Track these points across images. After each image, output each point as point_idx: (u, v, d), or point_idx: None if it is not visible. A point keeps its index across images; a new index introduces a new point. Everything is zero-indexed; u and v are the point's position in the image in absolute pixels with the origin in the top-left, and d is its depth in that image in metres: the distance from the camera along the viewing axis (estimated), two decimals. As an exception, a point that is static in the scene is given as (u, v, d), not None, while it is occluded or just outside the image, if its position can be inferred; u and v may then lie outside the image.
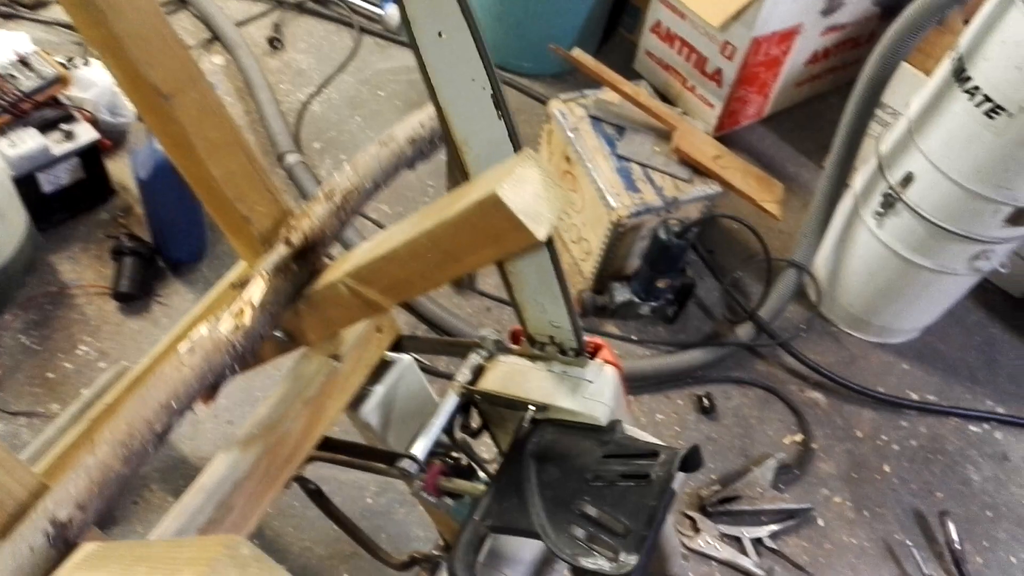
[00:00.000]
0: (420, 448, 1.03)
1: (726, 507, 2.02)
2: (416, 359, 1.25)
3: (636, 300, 2.31)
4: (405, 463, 1.03)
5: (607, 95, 2.41)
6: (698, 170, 2.28)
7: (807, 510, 2.06)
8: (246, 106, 2.66)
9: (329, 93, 2.78)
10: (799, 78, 2.94)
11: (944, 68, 1.97)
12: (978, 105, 1.84)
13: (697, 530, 1.98)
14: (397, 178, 1.08)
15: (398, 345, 1.21)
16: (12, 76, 2.07)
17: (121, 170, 2.34)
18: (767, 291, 2.32)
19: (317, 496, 1.33)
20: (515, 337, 1.19)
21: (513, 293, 1.05)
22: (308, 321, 1.08)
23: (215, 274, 2.22)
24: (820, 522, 2.07)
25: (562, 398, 1.05)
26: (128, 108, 2.37)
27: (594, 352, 1.11)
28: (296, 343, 1.14)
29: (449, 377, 1.12)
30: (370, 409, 1.17)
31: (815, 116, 3.01)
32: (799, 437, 2.21)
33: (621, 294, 2.31)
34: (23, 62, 2.11)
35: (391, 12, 2.98)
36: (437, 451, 1.16)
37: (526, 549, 1.13)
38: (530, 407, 1.05)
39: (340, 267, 1.00)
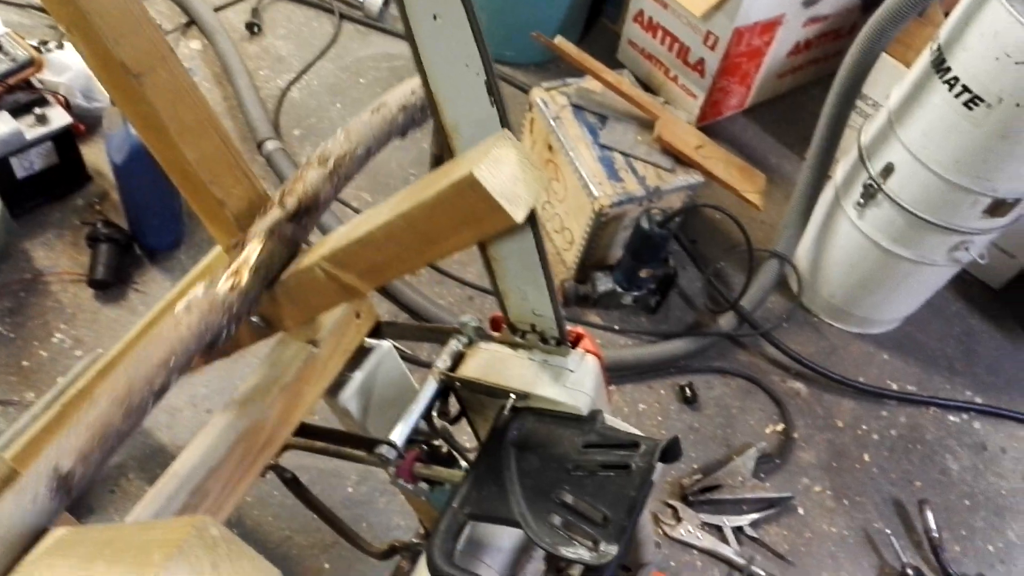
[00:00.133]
0: (398, 434, 1.02)
1: (708, 496, 2.03)
2: (397, 347, 1.24)
3: (619, 290, 2.30)
4: (383, 449, 1.02)
5: (590, 84, 2.40)
6: (680, 160, 2.27)
7: (788, 499, 2.07)
8: (224, 92, 2.63)
9: (309, 80, 2.75)
10: (781, 69, 2.95)
11: (924, 59, 1.97)
12: (957, 96, 1.85)
13: (679, 519, 1.98)
14: (388, 146, 1.06)
15: (377, 331, 1.20)
16: (-16, 59, 2.03)
17: (96, 155, 2.31)
18: (749, 281, 2.32)
19: (293, 484, 1.31)
20: (495, 324, 1.18)
21: (496, 280, 1.03)
22: (285, 306, 1.06)
23: (193, 262, 2.19)
24: (800, 511, 2.08)
25: (544, 387, 1.04)
26: (103, 92, 2.33)
27: (575, 341, 1.10)
28: (273, 329, 1.13)
29: (430, 366, 1.11)
30: (349, 395, 1.16)
31: (797, 108, 3.02)
32: (780, 427, 2.22)
33: (604, 284, 2.30)
34: (-5, 45, 2.06)
35: (372, -1, 2.96)
36: (417, 438, 1.15)
37: (505, 537, 1.12)
38: (511, 395, 1.04)
39: (317, 251, 0.98)
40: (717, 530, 1.99)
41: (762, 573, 1.93)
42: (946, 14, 1.98)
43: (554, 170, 2.33)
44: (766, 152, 2.90)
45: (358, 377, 1.17)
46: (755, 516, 2.02)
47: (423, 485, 1.12)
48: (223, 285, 0.91)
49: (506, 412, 1.03)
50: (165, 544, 0.51)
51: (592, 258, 2.34)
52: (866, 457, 2.21)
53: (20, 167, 2.08)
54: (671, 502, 2.01)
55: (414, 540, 1.44)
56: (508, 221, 0.80)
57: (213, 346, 0.90)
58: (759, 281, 2.35)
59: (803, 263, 2.47)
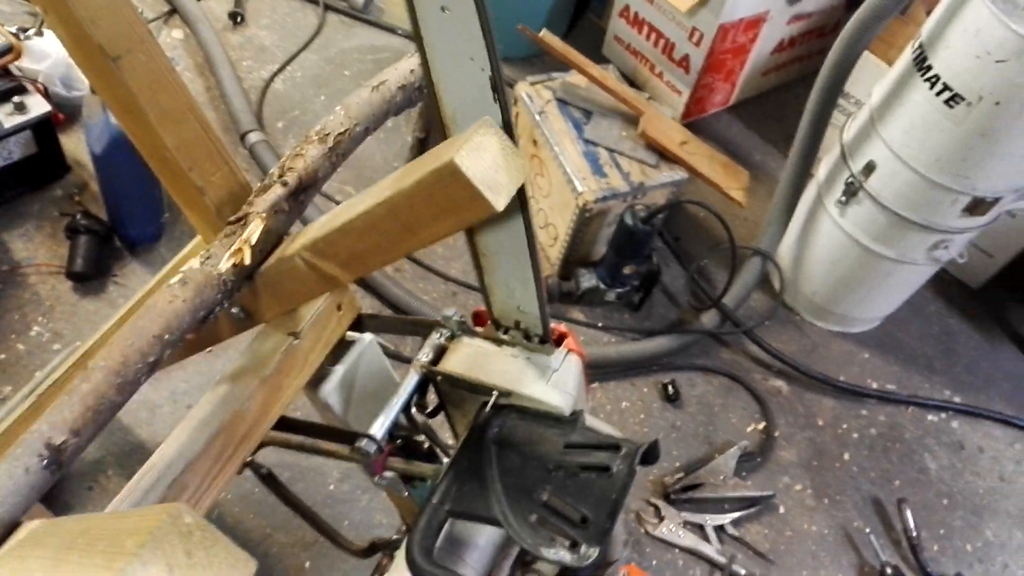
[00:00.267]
0: (379, 427, 1.01)
1: (689, 494, 2.03)
2: (382, 344, 1.23)
3: (602, 286, 2.30)
4: (364, 442, 1.00)
5: (575, 79, 2.40)
6: (665, 156, 2.27)
7: (769, 497, 2.08)
8: (206, 82, 2.60)
9: (293, 71, 2.73)
10: (766, 67, 2.95)
11: (906, 57, 1.98)
12: (938, 94, 1.86)
13: (660, 517, 1.98)
14: (386, 121, 1.05)
15: (359, 324, 1.18)
16: (-40, 46, 2.00)
17: (76, 145, 2.28)
18: (732, 279, 2.32)
19: (270, 480, 1.30)
20: (478, 319, 1.17)
21: (483, 275, 1.03)
22: (265, 297, 1.05)
23: (174, 255, 2.16)
24: (781, 509, 2.09)
25: (527, 385, 1.03)
26: (83, 81, 2.30)
27: (559, 340, 1.10)
28: (254, 321, 1.11)
29: (414, 361, 1.10)
30: (330, 389, 1.14)
31: (781, 105, 3.03)
32: (762, 425, 2.23)
33: (587, 280, 2.30)
34: (-28, 31, 2.03)
35: (358, -9, 2.93)
36: (400, 433, 1.14)
37: (484, 534, 1.11)
38: (494, 392, 1.03)
39: (298, 240, 0.97)
40: (699, 529, 1.99)
41: (743, 571, 1.93)
42: (928, 13, 1.99)
43: (539, 165, 2.32)
44: (750, 149, 2.90)
45: (339, 370, 1.16)
46: (736, 515, 2.03)
47: (400, 481, 1.12)
48: (225, 263, 0.90)
49: (488, 409, 1.03)
50: (138, 532, 0.50)
51: (576, 254, 2.33)
52: (846, 456, 2.22)
53: (-3, 156, 2.05)
54: (653, 500, 2.01)
55: (395, 537, 1.43)
56: (489, 209, 0.79)
57: (206, 321, 0.89)
58: (742, 279, 2.36)
59: (785, 261, 2.48)
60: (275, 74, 2.69)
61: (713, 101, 2.94)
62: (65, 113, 2.28)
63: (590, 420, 1.07)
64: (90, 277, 2.07)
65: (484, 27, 0.77)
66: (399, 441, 1.15)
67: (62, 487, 1.78)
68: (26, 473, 0.70)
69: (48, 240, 2.13)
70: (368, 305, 2.16)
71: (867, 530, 2.07)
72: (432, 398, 1.13)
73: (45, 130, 2.10)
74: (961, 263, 2.21)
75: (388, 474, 1.08)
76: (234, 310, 1.08)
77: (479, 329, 1.15)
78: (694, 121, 2.91)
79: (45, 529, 0.69)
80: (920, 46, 1.91)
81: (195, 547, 0.53)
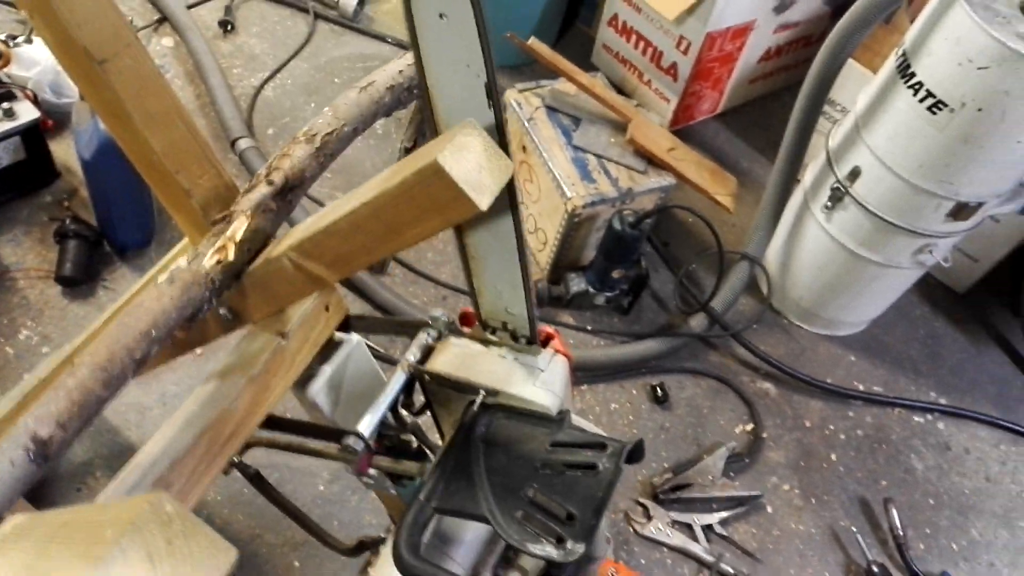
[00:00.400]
0: (366, 425, 1.02)
1: (678, 494, 2.04)
2: (370, 347, 1.24)
3: (591, 290, 2.32)
4: (351, 440, 1.01)
5: (563, 86, 2.42)
6: (653, 162, 2.29)
7: (757, 497, 2.09)
8: (196, 90, 2.61)
9: (283, 79, 2.74)
10: (753, 75, 2.98)
11: (890, 65, 2.01)
12: (921, 101, 1.88)
13: (649, 517, 1.99)
14: (375, 122, 1.06)
15: (346, 325, 1.19)
16: (-50, 52, 2.01)
17: (65, 151, 2.28)
18: (719, 283, 2.34)
19: (257, 480, 1.30)
20: (466, 320, 1.18)
21: (471, 276, 1.04)
22: (253, 298, 1.06)
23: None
24: (769, 509, 2.10)
25: (515, 385, 1.04)
26: (72, 88, 2.30)
27: (545, 341, 1.11)
28: (241, 321, 1.12)
29: (403, 362, 1.11)
30: (318, 389, 1.15)
31: (768, 114, 3.05)
32: (750, 426, 2.24)
33: (576, 284, 2.32)
34: (-38, 38, 2.04)
35: (348, -1, 2.95)
36: (388, 433, 1.15)
37: (469, 531, 1.12)
38: (481, 391, 1.05)
39: (284, 241, 0.98)
40: (687, 528, 2.01)
41: (731, 570, 1.95)
42: (912, 21, 2.02)
43: (528, 171, 2.34)
44: (738, 156, 2.93)
45: (327, 371, 1.16)
46: (724, 514, 2.04)
47: (387, 479, 1.12)
48: (209, 259, 0.91)
49: (475, 408, 1.04)
50: (118, 522, 0.51)
51: (565, 259, 2.35)
52: (833, 456, 2.24)
53: (-13, 162, 2.06)
54: (642, 500, 2.02)
55: (383, 536, 1.44)
56: (472, 209, 0.80)
57: (194, 319, 0.90)
58: (730, 283, 2.38)
59: (773, 265, 2.50)
60: (265, 82, 2.70)
61: (701, 109, 2.97)
62: (54, 119, 2.28)
63: (576, 420, 1.08)
64: (79, 282, 2.07)
65: (482, 35, 0.78)
66: (386, 441, 1.16)
67: (51, 488, 1.78)
68: (11, 466, 0.71)
69: (37, 245, 2.13)
70: (358, 308, 2.17)
71: (854, 529, 2.09)
72: (419, 398, 1.14)
73: (34, 136, 2.11)
74: (946, 267, 2.23)
75: (373, 472, 1.09)
76: (222, 311, 1.09)
77: (466, 330, 1.17)
78: (682, 129, 2.93)
79: (28, 523, 0.69)
80: (904, 54, 1.93)
81: (176, 536, 0.53)
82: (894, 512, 2.07)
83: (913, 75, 1.89)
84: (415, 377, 1.10)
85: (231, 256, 0.92)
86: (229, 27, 2.82)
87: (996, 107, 1.77)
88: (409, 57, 1.00)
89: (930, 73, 1.86)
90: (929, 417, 2.39)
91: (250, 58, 2.78)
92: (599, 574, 1.58)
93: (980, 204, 2.02)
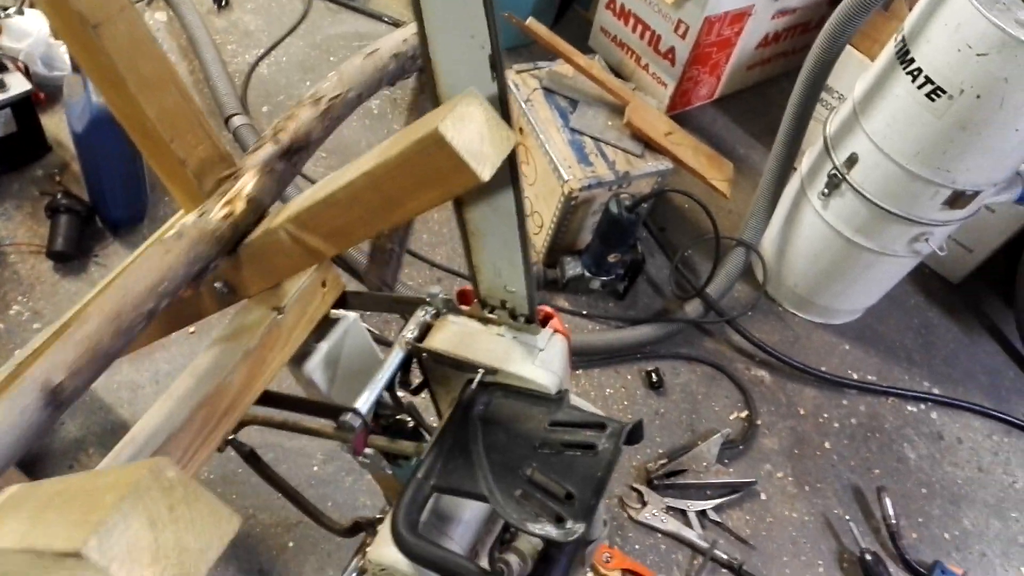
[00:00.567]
0: (363, 402, 1.01)
1: (672, 480, 2.04)
2: (368, 329, 1.22)
3: (587, 275, 2.31)
4: (348, 416, 1.00)
5: (561, 68, 2.40)
6: (650, 146, 2.28)
7: (750, 484, 2.09)
8: (190, 65, 2.58)
9: (278, 56, 2.71)
10: (750, 61, 2.97)
11: (888, 51, 2.00)
12: (920, 87, 1.87)
13: (644, 503, 1.99)
14: (379, 89, 1.05)
15: (343, 302, 1.18)
16: (-61, 22, 1.97)
17: (57, 125, 2.25)
18: (715, 269, 2.34)
19: (252, 459, 1.29)
20: (464, 298, 1.17)
21: (471, 254, 1.02)
22: (249, 271, 1.04)
23: (155, 237, 2.15)
24: (763, 496, 2.10)
25: (514, 363, 1.03)
26: (64, 61, 2.27)
27: (544, 320, 1.10)
28: (237, 296, 1.10)
29: (400, 341, 1.09)
30: (314, 365, 1.14)
31: (766, 100, 3.04)
32: (744, 413, 2.24)
33: (572, 268, 2.30)
34: (-49, 8, 2.00)
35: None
36: (384, 412, 1.14)
37: (468, 509, 1.11)
38: (480, 370, 1.03)
39: (282, 213, 0.96)
40: (681, 514, 2.00)
41: (724, 556, 1.95)
42: (910, 7, 2.01)
43: (524, 153, 2.32)
44: (735, 142, 2.92)
45: (324, 347, 1.15)
46: (718, 501, 2.04)
47: (383, 459, 1.11)
48: (217, 213, 0.89)
49: (474, 386, 1.03)
50: (118, 487, 0.49)
51: (561, 242, 2.33)
52: (827, 444, 2.24)
53: (-24, 135, 2.02)
54: (636, 486, 2.02)
55: (379, 516, 1.43)
56: (474, 179, 0.78)
57: (201, 276, 0.88)
58: (725, 269, 2.37)
59: (769, 252, 2.49)
60: (260, 58, 2.67)
61: (698, 94, 2.95)
62: (46, 92, 2.25)
63: (575, 400, 1.07)
64: (71, 257, 2.04)
65: (486, 4, 0.76)
66: (382, 421, 1.14)
67: (43, 465, 1.76)
68: (22, 414, 0.69)
69: (28, 220, 2.10)
70: (353, 288, 2.15)
71: (847, 517, 2.09)
72: (416, 375, 1.13)
73: (25, 109, 2.08)
74: (941, 256, 2.23)
75: (369, 451, 1.08)
76: (217, 284, 1.08)
77: (464, 308, 1.15)
78: (679, 114, 2.92)
79: (23, 492, 0.68)
80: (903, 40, 1.92)
81: (177, 502, 0.52)
82: (887, 501, 2.08)
83: (912, 61, 1.89)
84: (413, 355, 1.08)
85: (239, 210, 0.90)
86: (224, 2, 2.78)
87: (995, 94, 1.76)
88: (413, 27, 0.98)
89: (929, 59, 1.85)
90: (922, 406, 2.39)
91: (245, 34, 2.74)
92: (594, 559, 1.58)
93: (976, 192, 2.01)
